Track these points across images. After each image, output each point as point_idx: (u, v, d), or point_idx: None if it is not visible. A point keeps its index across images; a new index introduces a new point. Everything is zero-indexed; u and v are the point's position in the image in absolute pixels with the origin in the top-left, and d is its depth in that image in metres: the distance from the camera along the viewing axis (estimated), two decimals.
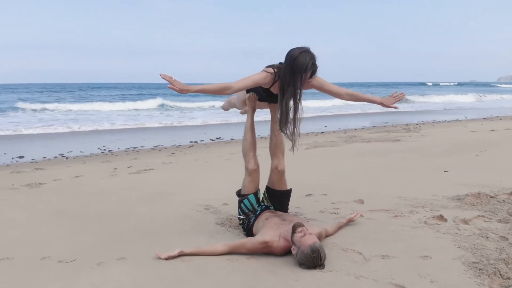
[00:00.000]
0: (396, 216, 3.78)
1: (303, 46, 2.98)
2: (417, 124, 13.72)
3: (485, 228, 3.34)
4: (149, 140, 11.22)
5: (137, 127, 14.95)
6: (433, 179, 5.17)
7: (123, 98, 31.35)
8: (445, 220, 3.59)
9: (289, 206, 3.61)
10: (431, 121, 15.01)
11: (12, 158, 8.62)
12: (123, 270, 2.79)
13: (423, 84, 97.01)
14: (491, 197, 4.15)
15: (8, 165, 7.81)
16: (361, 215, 3.67)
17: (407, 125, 13.52)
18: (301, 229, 2.82)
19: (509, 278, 2.49)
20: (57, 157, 8.80)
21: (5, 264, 2.96)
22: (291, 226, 2.93)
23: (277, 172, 3.39)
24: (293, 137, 3.02)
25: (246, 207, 3.35)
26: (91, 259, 2.98)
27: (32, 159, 8.50)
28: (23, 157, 8.78)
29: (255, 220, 3.28)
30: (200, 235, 3.45)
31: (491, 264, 2.65)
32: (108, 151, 9.53)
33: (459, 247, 2.99)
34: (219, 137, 11.49)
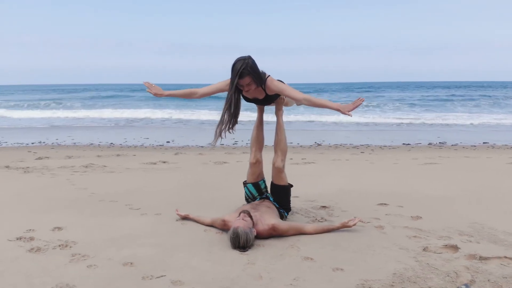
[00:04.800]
0: (414, 236, 3.37)
1: (244, 55, 3.28)
2: None
3: (481, 270, 2.72)
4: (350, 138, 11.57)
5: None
6: None
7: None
8: (456, 251, 3.00)
9: (340, 206, 3.71)
10: None
11: (247, 143, 10.92)
12: (148, 219, 3.90)
13: None
14: None
15: (234, 148, 10.03)
16: (361, 221, 3.49)
17: None
18: (242, 214, 3.19)
19: None
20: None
21: (110, 204, 4.58)
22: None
23: (274, 168, 3.70)
24: (215, 132, 3.32)
25: (247, 194, 3.84)
26: (159, 213, 4.14)
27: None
28: None
29: None
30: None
31: None
32: (318, 144, 10.54)
33: (394, 274, 2.67)
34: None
